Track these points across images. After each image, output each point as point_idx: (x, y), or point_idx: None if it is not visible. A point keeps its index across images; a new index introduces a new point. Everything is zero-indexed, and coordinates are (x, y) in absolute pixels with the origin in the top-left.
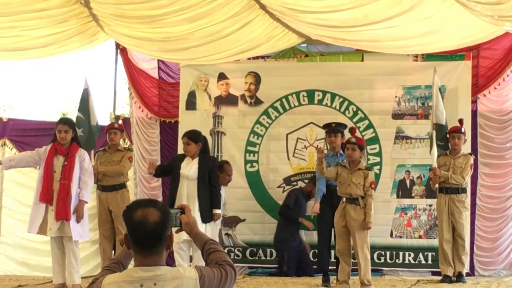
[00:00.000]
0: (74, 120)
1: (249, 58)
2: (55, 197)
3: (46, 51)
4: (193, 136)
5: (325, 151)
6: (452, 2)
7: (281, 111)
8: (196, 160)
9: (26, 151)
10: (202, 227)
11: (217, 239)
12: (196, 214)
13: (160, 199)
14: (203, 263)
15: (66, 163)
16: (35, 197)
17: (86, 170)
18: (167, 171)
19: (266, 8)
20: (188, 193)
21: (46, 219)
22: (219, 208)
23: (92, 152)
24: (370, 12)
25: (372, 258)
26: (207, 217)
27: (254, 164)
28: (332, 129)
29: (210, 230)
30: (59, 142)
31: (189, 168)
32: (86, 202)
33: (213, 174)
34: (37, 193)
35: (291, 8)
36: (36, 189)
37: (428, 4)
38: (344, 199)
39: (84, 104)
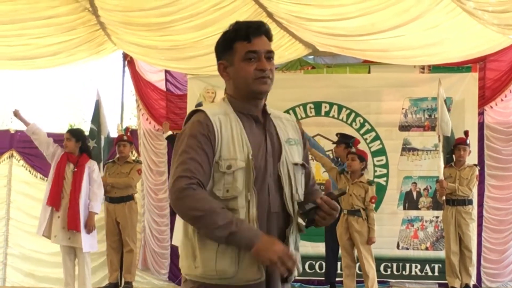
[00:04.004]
0: (88, 131)
1: None
2: (64, 205)
3: (54, 61)
4: None
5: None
6: (459, 11)
7: None
8: None
9: (47, 136)
10: None
11: None
12: None
13: (167, 211)
14: None
15: (76, 169)
16: (44, 200)
17: (95, 181)
18: None
19: (273, 17)
20: None
21: (50, 223)
22: None
23: (102, 163)
24: (377, 20)
25: (378, 270)
26: None
27: None
28: (337, 140)
29: None
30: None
31: None
32: (96, 213)
33: None
34: (46, 196)
35: (298, 16)
36: (45, 192)
37: (435, 13)
38: (345, 211)
39: (96, 116)
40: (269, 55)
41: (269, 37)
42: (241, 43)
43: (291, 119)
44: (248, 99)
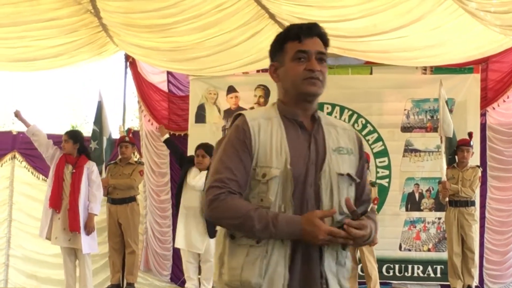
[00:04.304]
0: (91, 132)
1: (258, 71)
2: (64, 206)
3: (55, 62)
4: (209, 149)
5: None
6: (462, 13)
7: None
8: (205, 173)
9: (47, 138)
10: (208, 242)
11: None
12: (200, 228)
13: (169, 212)
14: (211, 275)
15: (74, 171)
16: (45, 203)
17: (94, 182)
18: (175, 149)
19: (275, 18)
20: (195, 205)
21: (51, 226)
22: None
23: (104, 165)
24: (379, 21)
25: (380, 271)
26: (212, 232)
27: None
28: None
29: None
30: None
31: (197, 179)
32: (96, 215)
33: None
34: (47, 199)
35: (300, 18)
36: (45, 195)
37: (437, 14)
38: None
39: (98, 117)
40: (321, 56)
41: (324, 40)
42: (292, 43)
43: (349, 128)
44: (296, 102)
